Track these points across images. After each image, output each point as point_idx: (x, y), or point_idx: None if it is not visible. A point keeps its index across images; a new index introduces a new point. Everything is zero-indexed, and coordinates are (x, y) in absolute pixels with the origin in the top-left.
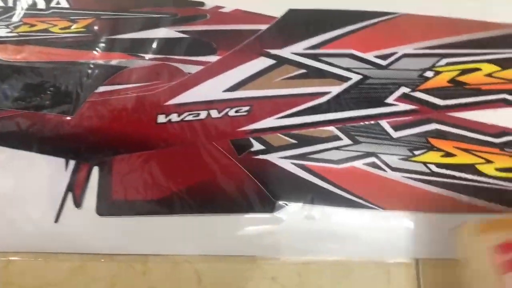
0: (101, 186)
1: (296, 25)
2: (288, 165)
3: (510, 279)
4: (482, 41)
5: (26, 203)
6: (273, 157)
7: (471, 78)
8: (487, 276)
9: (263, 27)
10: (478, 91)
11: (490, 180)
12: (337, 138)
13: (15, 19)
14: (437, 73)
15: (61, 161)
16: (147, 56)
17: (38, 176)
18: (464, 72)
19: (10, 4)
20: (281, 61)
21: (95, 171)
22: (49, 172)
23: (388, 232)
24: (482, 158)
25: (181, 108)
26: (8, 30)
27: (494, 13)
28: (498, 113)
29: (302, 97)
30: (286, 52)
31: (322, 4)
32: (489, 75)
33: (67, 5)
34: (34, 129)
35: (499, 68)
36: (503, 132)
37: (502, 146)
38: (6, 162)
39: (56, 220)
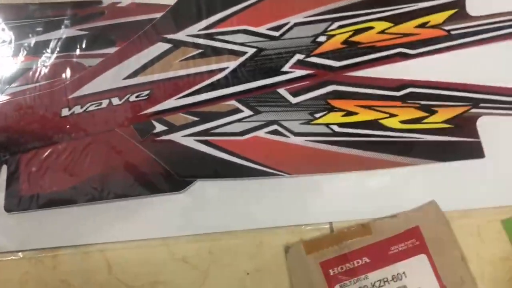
0: (9, 183)
1: (189, 9)
2: (192, 142)
3: None
4: (371, 1)
5: None
6: (176, 137)
7: (365, 37)
8: None
9: (159, 15)
10: (373, 49)
11: (395, 134)
12: (238, 110)
13: None
14: (330, 36)
15: None
16: (50, 56)
17: None
18: (357, 32)
19: None
20: (177, 44)
21: (4, 169)
22: None
23: (299, 198)
24: (385, 112)
25: (83, 99)
26: None
27: None
28: (395, 67)
29: (200, 76)
30: (181, 35)
31: None
32: (382, 31)
33: None
34: None
35: (391, 24)
36: (403, 85)
37: (404, 98)
38: None
39: None
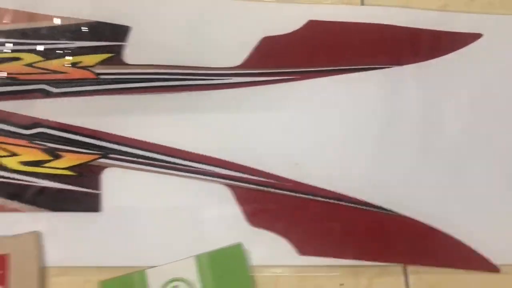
0: None
1: None
2: None
3: None
4: (27, 32)
5: None
6: None
7: (8, 67)
8: None
9: None
10: (14, 80)
11: (12, 175)
12: None
13: None
14: None
15: None
16: None
17: None
18: (1, 61)
19: None
20: None
21: None
22: None
23: None
24: (7, 150)
25: None
26: None
27: (40, 6)
28: (34, 104)
29: None
30: None
31: None
32: (30, 65)
33: None
34: None
35: (41, 58)
36: (36, 123)
37: (31, 138)
38: None
39: None
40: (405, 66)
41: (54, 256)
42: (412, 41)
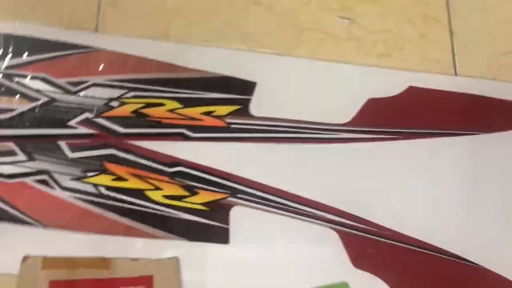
0: None
1: None
2: None
3: None
4: (169, 81)
5: None
6: None
7: (154, 111)
8: None
9: None
10: (159, 124)
11: (156, 206)
12: (13, 153)
13: None
14: (123, 103)
15: None
16: None
17: None
18: (148, 105)
19: None
20: None
21: None
22: None
23: None
24: (152, 184)
25: None
26: None
27: (181, 58)
28: (174, 145)
29: None
30: None
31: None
32: (171, 110)
33: None
34: None
35: (181, 106)
36: (176, 162)
37: (172, 175)
38: None
39: None
40: (491, 134)
41: (189, 279)
42: (498, 111)
